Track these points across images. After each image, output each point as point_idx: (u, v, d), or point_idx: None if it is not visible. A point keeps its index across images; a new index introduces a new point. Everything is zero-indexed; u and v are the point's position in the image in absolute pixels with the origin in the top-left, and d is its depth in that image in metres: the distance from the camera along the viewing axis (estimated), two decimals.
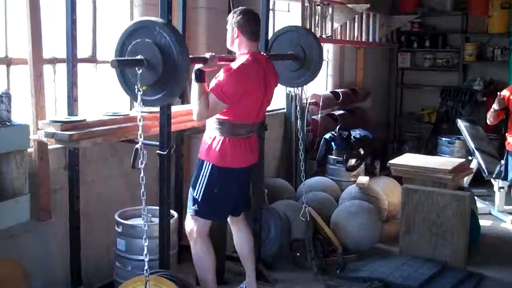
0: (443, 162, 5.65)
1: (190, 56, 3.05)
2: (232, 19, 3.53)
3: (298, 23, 6.10)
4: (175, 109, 3.92)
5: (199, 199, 3.53)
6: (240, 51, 3.56)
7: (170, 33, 2.86)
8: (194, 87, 3.30)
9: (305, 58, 4.28)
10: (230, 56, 3.68)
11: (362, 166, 6.35)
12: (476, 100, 8.58)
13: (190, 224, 3.62)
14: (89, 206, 3.95)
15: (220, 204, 3.59)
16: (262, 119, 3.87)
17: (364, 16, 7.42)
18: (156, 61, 2.85)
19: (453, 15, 9.17)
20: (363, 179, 5.81)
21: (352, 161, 6.23)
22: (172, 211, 3.78)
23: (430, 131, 8.94)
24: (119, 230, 3.76)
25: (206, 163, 3.51)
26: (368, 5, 7.25)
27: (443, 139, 7.73)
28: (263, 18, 4.18)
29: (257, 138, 3.77)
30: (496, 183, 6.29)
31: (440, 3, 9.31)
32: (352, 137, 6.27)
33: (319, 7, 6.42)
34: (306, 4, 6.17)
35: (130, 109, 4.35)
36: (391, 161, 5.62)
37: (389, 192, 6.01)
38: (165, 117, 3.36)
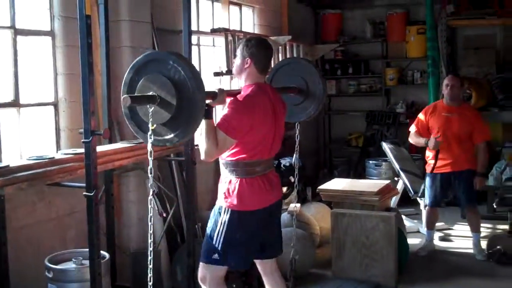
0: (370, 184, 5.83)
1: None
2: (245, 48, 3.32)
3: (224, 57, 6.23)
4: (101, 148, 3.91)
5: (219, 248, 3.29)
6: (246, 82, 3.37)
7: (185, 67, 2.72)
8: (202, 124, 3.03)
9: (308, 90, 3.98)
10: (237, 90, 3.48)
11: (294, 193, 6.47)
12: (400, 122, 8.92)
13: (203, 272, 3.41)
14: (18, 252, 3.87)
15: (244, 250, 3.35)
16: (277, 152, 3.60)
17: (287, 47, 7.62)
18: (170, 97, 2.71)
19: (373, 42, 9.53)
20: (294, 206, 5.91)
21: (283, 189, 6.34)
22: (103, 252, 3.76)
23: (358, 155, 9.19)
24: (50, 275, 3.70)
25: (225, 209, 3.29)
26: (290, 37, 7.47)
27: (370, 162, 7.98)
28: (185, 54, 4.17)
29: (276, 174, 3.53)
30: (422, 202, 6.53)
31: (361, 32, 9.67)
32: (282, 166, 6.40)
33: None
34: (230, 38, 6.30)
35: (56, 152, 4.31)
36: (320, 187, 5.75)
37: (320, 218, 6.15)
38: (90, 158, 3.31)
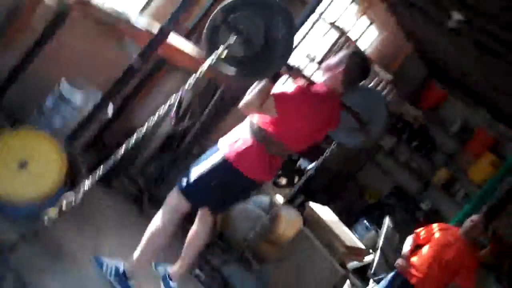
0: (349, 235, 5.89)
1: None
2: (349, 57, 3.35)
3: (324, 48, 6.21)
4: (173, 38, 3.96)
5: (191, 180, 3.38)
6: (325, 82, 3.39)
7: (286, 32, 2.72)
8: (262, 82, 3.09)
9: (366, 125, 3.85)
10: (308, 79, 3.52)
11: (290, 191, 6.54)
12: (416, 217, 8.87)
13: (172, 195, 3.50)
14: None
15: (206, 197, 3.44)
16: (299, 151, 3.63)
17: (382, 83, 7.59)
18: (255, 43, 2.71)
19: (453, 137, 9.40)
20: (279, 198, 6.02)
21: (283, 181, 6.43)
22: None
23: (360, 207, 9.18)
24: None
25: (221, 154, 3.32)
26: (390, 76, 7.47)
27: (365, 221, 7.98)
28: (297, 24, 4.16)
29: (281, 161, 3.54)
30: (371, 285, 6.55)
31: (452, 121, 9.51)
32: (298, 164, 6.47)
33: None
34: (342, 39, 6.30)
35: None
36: (311, 204, 5.82)
37: (291, 225, 6.22)
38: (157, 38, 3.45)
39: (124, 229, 4.33)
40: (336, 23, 6.49)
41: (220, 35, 2.79)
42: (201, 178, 3.33)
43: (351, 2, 6.95)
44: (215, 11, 2.71)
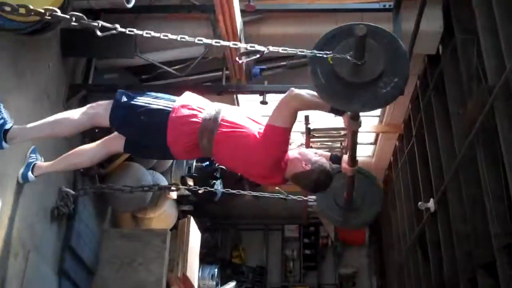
0: (192, 269, 5.79)
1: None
2: (318, 169, 3.18)
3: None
4: None
5: (132, 101, 3.25)
6: (290, 159, 3.21)
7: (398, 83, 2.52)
8: (326, 104, 2.93)
9: (349, 210, 3.70)
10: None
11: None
12: None
13: (104, 103, 3.34)
14: None
15: (127, 121, 3.27)
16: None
17: None
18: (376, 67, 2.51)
19: None
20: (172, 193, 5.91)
21: (190, 181, 6.32)
22: None
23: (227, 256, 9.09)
24: None
25: (171, 107, 3.20)
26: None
27: (216, 269, 7.85)
28: None
29: (200, 156, 3.43)
30: None
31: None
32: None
33: None
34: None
35: None
36: (192, 218, 5.73)
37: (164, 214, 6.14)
38: None
39: (43, 101, 4.11)
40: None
41: (337, 45, 2.62)
42: (141, 107, 3.21)
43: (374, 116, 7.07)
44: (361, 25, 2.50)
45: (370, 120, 7.57)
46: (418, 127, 6.51)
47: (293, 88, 3.04)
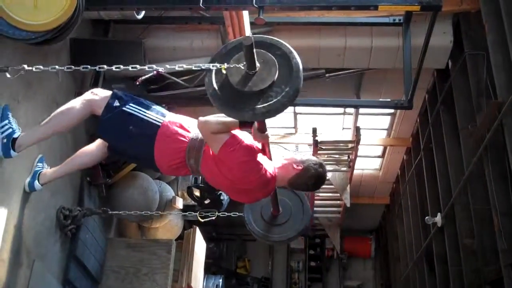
0: (197, 278, 5.78)
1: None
2: (311, 166, 3.15)
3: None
4: None
5: (124, 107, 3.24)
6: (278, 167, 3.20)
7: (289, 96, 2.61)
8: (232, 120, 2.95)
9: (275, 225, 3.82)
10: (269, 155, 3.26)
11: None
12: None
13: (102, 92, 3.37)
14: None
15: (114, 127, 3.27)
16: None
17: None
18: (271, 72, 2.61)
19: None
20: (179, 201, 5.91)
21: (197, 192, 6.32)
22: None
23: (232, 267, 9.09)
24: None
25: (161, 122, 3.21)
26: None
27: (220, 280, 7.84)
28: None
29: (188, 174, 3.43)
30: None
31: None
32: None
33: None
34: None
35: None
36: (197, 229, 5.72)
37: (169, 224, 6.13)
38: None
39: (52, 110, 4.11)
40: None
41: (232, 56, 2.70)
42: (130, 115, 3.21)
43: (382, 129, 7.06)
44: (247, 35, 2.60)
45: (378, 133, 7.55)
46: (426, 141, 6.49)
47: (200, 118, 3.06)
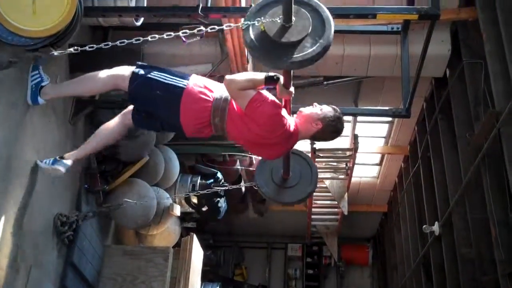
0: None
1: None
2: (331, 120, 3.29)
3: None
4: None
5: (149, 75, 3.37)
6: (299, 123, 3.33)
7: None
8: (260, 76, 3.12)
9: (284, 188, 3.93)
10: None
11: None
12: None
13: (124, 67, 3.47)
14: None
15: (141, 92, 3.38)
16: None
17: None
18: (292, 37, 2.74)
19: None
20: (177, 208, 5.90)
21: (194, 199, 6.31)
22: None
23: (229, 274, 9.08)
24: None
25: (185, 85, 3.32)
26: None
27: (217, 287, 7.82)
28: None
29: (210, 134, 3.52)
30: None
31: None
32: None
33: None
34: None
35: None
36: (195, 236, 5.71)
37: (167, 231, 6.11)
38: None
39: (50, 116, 4.11)
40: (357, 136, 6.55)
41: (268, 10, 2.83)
42: (156, 81, 3.36)
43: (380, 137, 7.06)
44: None
45: (375, 141, 7.56)
46: (424, 150, 6.50)
47: (226, 76, 3.20)
